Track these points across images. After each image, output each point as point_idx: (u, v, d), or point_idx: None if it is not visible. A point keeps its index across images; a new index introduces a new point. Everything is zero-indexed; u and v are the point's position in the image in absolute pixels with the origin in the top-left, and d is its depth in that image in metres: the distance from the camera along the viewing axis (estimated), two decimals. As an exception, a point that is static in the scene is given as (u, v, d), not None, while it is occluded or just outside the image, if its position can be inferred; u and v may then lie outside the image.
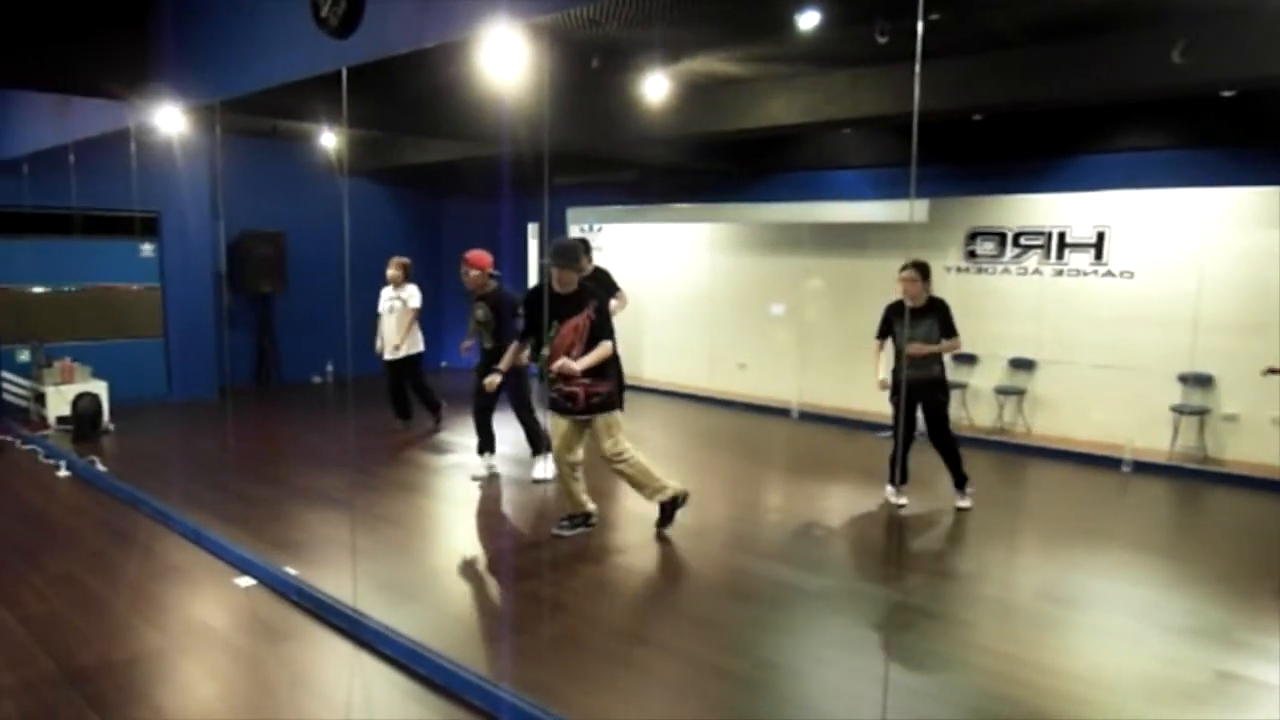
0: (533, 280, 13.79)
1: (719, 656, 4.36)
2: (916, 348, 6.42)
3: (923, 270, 6.58)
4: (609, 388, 5.82)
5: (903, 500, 6.81)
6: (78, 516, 6.55)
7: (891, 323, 6.73)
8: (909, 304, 6.54)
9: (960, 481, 6.73)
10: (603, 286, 6.35)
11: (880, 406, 9.81)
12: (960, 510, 6.65)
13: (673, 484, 6.05)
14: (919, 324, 6.52)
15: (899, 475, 6.75)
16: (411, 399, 9.24)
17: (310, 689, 4.07)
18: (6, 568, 5.42)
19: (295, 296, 11.94)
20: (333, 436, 9.10)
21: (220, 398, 10.94)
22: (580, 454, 6.01)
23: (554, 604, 4.96)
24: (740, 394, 11.38)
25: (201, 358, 11.03)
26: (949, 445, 6.69)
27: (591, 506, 6.12)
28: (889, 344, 6.75)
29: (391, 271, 8.91)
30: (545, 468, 7.19)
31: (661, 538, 5.96)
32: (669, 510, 6.06)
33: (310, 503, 6.84)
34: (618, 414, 5.90)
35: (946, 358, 6.79)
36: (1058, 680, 4.17)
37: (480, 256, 7.25)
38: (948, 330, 6.53)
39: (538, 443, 7.31)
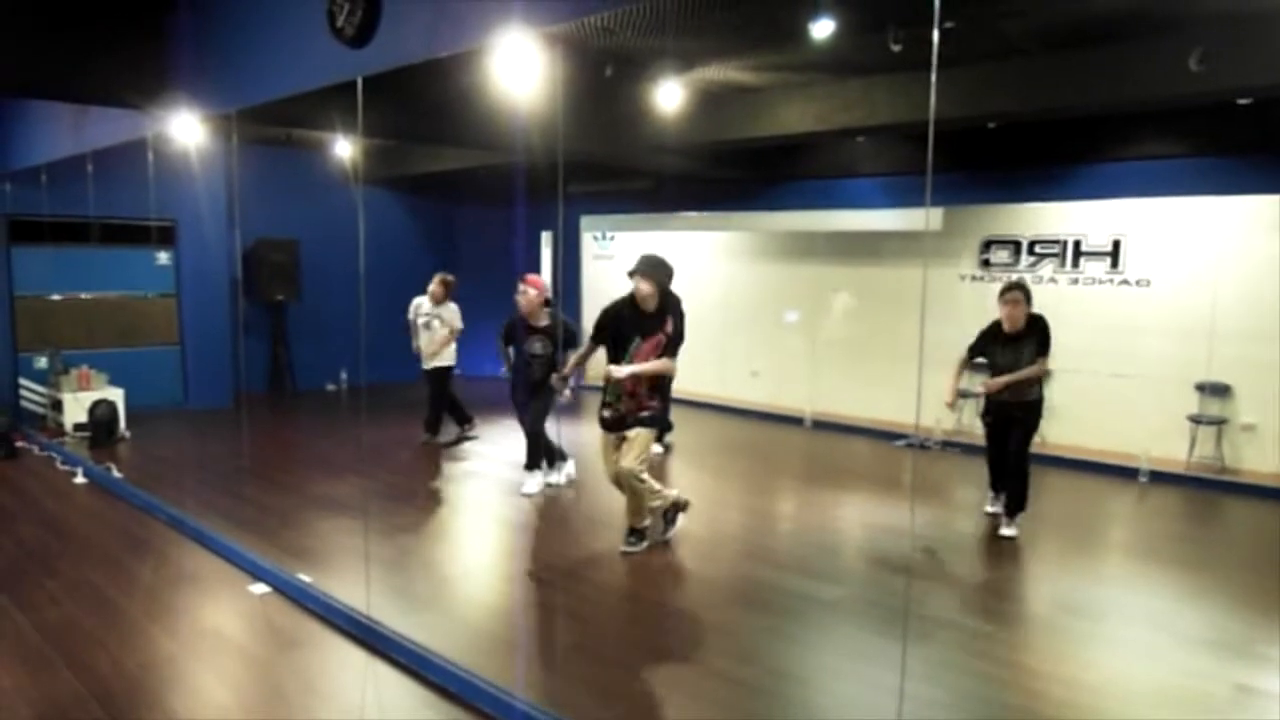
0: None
1: (733, 666, 4.34)
2: (990, 383, 6.19)
3: (1026, 293, 6.19)
4: (659, 406, 5.75)
5: (1006, 530, 6.42)
6: (94, 523, 6.59)
7: (985, 346, 6.35)
8: (1008, 328, 6.16)
9: (1015, 509, 6.37)
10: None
11: (897, 415, 9.82)
12: (1004, 539, 6.31)
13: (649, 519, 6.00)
14: (1020, 348, 6.15)
15: (999, 497, 6.62)
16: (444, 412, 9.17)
17: (323, 696, 4.07)
18: (23, 573, 5.46)
19: (309, 304, 11.99)
20: (347, 444, 9.12)
21: (235, 405, 10.99)
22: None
23: (567, 612, 4.96)
24: (753, 402, 11.36)
25: (217, 365, 11.08)
26: (1023, 469, 6.35)
27: (675, 493, 6.08)
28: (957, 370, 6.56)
29: (433, 287, 8.72)
30: (535, 483, 7.25)
31: (625, 555, 5.83)
32: (639, 533, 5.91)
33: (324, 510, 6.85)
34: (652, 434, 5.81)
35: (1058, 362, 6.40)
36: (1074, 692, 4.13)
37: (538, 279, 7.19)
38: (1043, 348, 6.14)
39: (535, 459, 7.29)
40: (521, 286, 7.12)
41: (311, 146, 11.28)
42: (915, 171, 9.47)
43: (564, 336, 7.03)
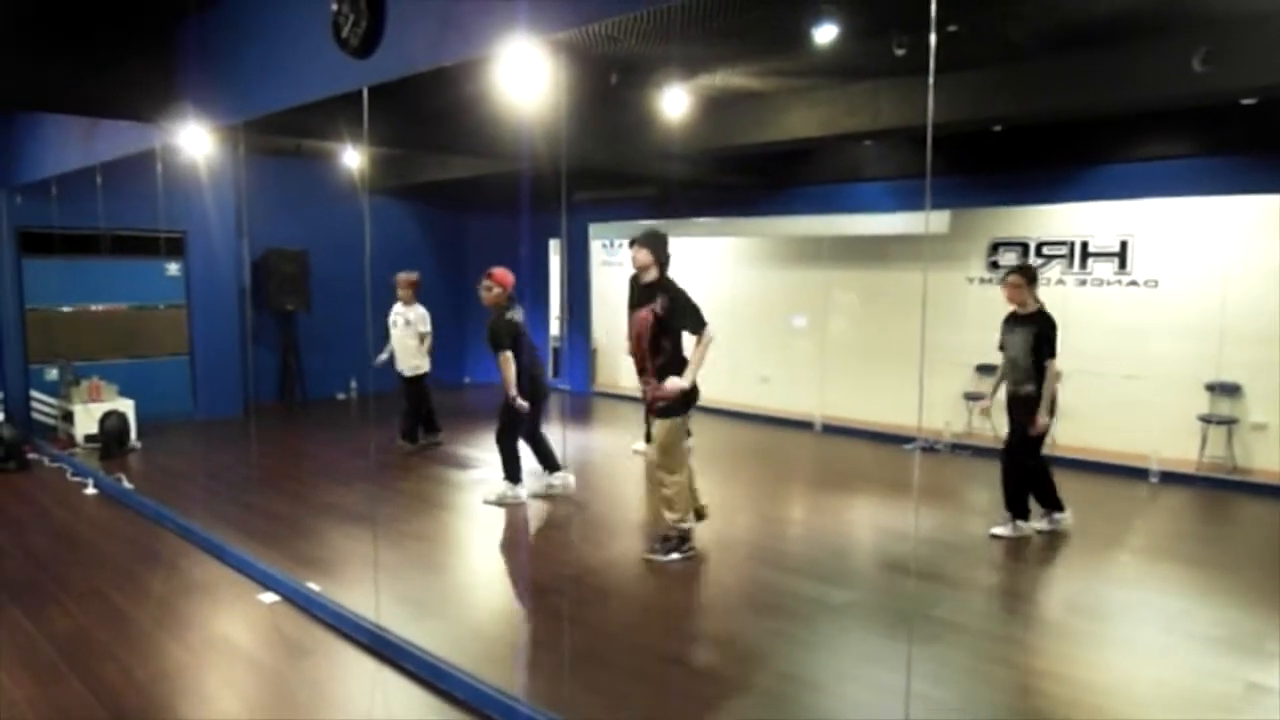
0: (554, 294, 13.86)
1: (742, 670, 4.34)
2: (1040, 424, 6.17)
3: (1028, 275, 6.29)
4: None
5: (1040, 525, 6.43)
6: (104, 534, 6.61)
7: (1003, 330, 6.46)
8: (1017, 310, 6.31)
9: (1046, 505, 6.40)
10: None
11: (907, 419, 9.79)
12: (994, 537, 6.35)
13: (691, 521, 5.89)
14: (1014, 332, 6.28)
15: (1013, 505, 6.41)
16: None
17: (333, 704, 4.08)
18: (34, 584, 5.48)
19: (318, 314, 12.02)
20: (356, 452, 9.14)
21: (245, 415, 11.02)
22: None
23: (576, 619, 4.96)
24: (763, 407, 11.35)
25: (226, 375, 11.12)
26: (1030, 468, 6.36)
27: (691, 525, 5.89)
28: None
29: (400, 291, 8.89)
30: (517, 493, 7.17)
31: (650, 564, 5.79)
32: (673, 542, 5.83)
33: (333, 519, 6.87)
34: (676, 424, 5.71)
35: (1066, 362, 6.34)
36: (1085, 693, 4.12)
37: (504, 275, 7.16)
38: (1044, 349, 6.13)
39: (512, 471, 7.20)
40: (486, 282, 7.14)
41: (320, 156, 11.32)
42: (921, 175, 9.44)
43: (492, 332, 7.03)
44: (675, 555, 5.81)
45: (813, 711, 4.01)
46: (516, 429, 7.18)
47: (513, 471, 7.19)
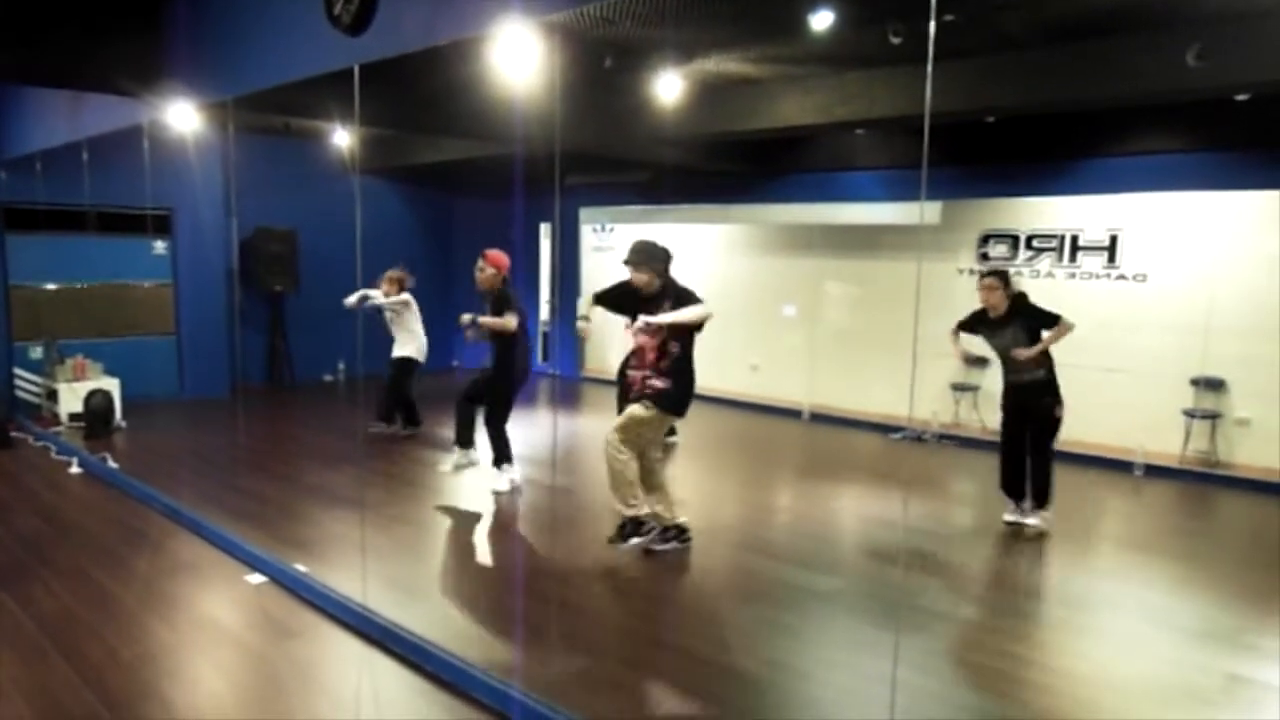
0: (545, 280, 13.83)
1: (728, 656, 4.35)
2: (1020, 353, 6.10)
3: (1003, 278, 6.24)
4: (665, 386, 5.53)
5: (1030, 520, 6.40)
6: (89, 513, 6.58)
7: (975, 324, 6.41)
8: (990, 314, 6.26)
9: (1042, 500, 6.37)
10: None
11: (895, 409, 9.84)
12: (1032, 530, 6.34)
13: (643, 510, 5.70)
14: (1002, 333, 6.24)
15: (1016, 490, 6.44)
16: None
17: (320, 686, 4.07)
18: (18, 564, 5.45)
19: (307, 294, 11.95)
20: (344, 435, 9.12)
21: (232, 396, 10.97)
22: (656, 454, 5.85)
23: (564, 603, 4.96)
24: (752, 395, 11.37)
25: (213, 355, 11.06)
26: (1044, 457, 6.36)
27: (642, 511, 5.71)
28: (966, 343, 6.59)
29: (384, 287, 8.66)
30: (504, 480, 7.11)
31: (648, 551, 5.71)
32: (624, 528, 5.67)
33: (321, 500, 6.85)
34: (653, 415, 5.57)
35: (1055, 355, 6.25)
36: (1067, 682, 4.15)
37: (499, 256, 7.01)
38: (1043, 324, 6.12)
39: (501, 453, 7.13)
40: (481, 263, 6.98)
41: (309, 136, 11.25)
42: (914, 165, 9.45)
43: (503, 299, 6.93)
44: (635, 541, 5.66)
45: (799, 698, 4.03)
46: (507, 410, 7.09)
47: (502, 454, 7.12)
